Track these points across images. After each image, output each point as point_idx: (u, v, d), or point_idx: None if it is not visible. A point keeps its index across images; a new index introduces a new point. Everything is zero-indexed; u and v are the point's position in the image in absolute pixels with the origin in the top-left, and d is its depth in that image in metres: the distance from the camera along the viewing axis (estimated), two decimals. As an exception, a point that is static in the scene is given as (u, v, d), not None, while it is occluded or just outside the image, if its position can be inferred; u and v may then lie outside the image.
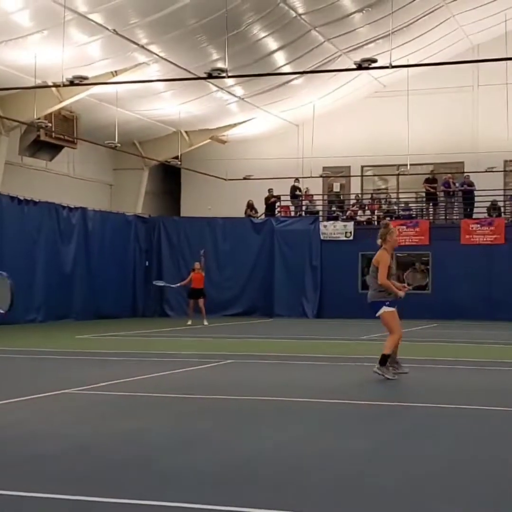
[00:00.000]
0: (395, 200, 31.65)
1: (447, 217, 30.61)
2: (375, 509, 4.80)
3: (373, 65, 16.78)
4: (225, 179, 30.83)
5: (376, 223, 30.28)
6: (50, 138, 24.44)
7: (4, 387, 9.91)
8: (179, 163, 29.08)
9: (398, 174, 30.54)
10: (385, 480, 5.43)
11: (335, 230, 29.00)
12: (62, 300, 25.46)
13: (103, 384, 10.11)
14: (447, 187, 30.02)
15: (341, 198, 32.90)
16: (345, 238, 28.77)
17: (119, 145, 25.10)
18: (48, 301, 24.80)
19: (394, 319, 10.64)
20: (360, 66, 16.82)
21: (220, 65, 19.73)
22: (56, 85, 20.88)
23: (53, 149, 25.23)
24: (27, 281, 23.98)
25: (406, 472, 5.67)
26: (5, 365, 12.99)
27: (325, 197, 32.69)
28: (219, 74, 17.90)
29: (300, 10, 22.44)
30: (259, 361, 13.40)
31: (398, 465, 5.93)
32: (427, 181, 30.30)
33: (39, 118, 23.01)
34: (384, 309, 10.58)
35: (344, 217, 30.29)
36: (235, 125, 30.24)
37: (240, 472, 5.65)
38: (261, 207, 31.12)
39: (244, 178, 30.22)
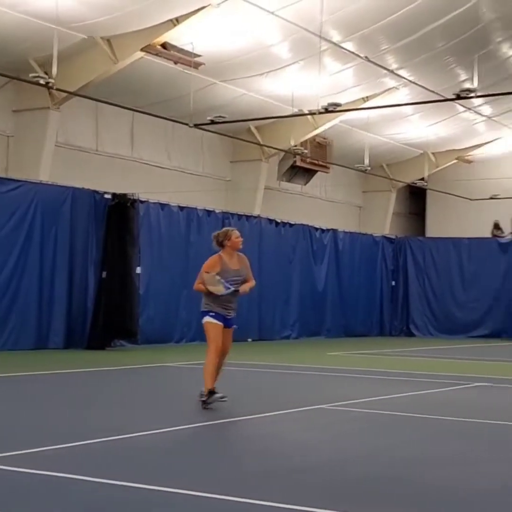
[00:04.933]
0: None
1: None
2: None
3: None
4: (470, 199, 30.80)
5: None
6: (305, 164, 25.57)
7: (263, 400, 10.24)
8: (425, 184, 29.47)
9: None
10: None
11: None
12: (315, 317, 26.31)
13: (355, 401, 10.32)
14: None
15: None
16: None
17: (368, 168, 25.85)
18: (302, 318, 25.74)
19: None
20: None
21: (468, 85, 19.91)
22: (312, 113, 21.56)
23: (307, 174, 26.41)
24: (283, 299, 25.23)
25: None
26: (263, 379, 13.51)
27: None
28: (467, 94, 18.21)
29: (553, 25, 22.12)
30: (509, 385, 13.19)
31: None
32: None
33: (295, 145, 24.21)
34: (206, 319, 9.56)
35: None
36: (481, 144, 30.17)
37: (496, 497, 5.60)
38: (508, 227, 30.75)
39: (491, 198, 30.02)
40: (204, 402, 9.32)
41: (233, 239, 9.72)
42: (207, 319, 9.50)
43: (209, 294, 9.48)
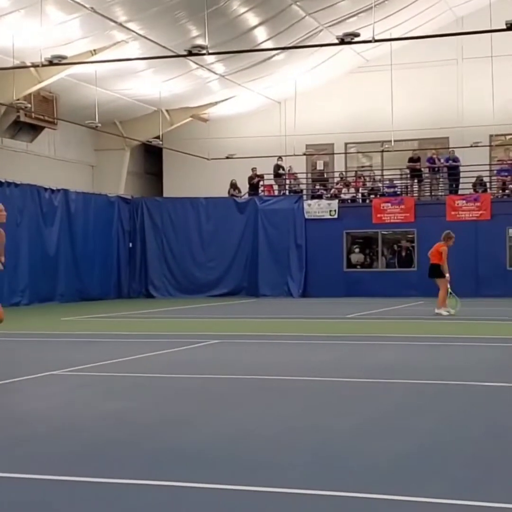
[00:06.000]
0: (379, 177, 31.46)
1: (433, 193, 30.46)
2: (357, 486, 4.69)
3: (356, 39, 16.57)
4: (207, 159, 30.55)
5: (360, 201, 30.18)
6: (30, 119, 24.11)
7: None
8: (160, 142, 28.76)
9: (382, 151, 30.29)
10: (370, 457, 5.35)
11: (320, 208, 28.82)
12: (47, 282, 25.25)
13: (90, 365, 10.06)
14: (431, 163, 29.85)
15: (325, 176, 32.72)
16: (329, 217, 28.60)
17: (99, 125, 24.78)
18: (32, 284, 24.57)
19: None
20: (342, 41, 16.60)
21: (200, 42, 19.35)
22: (34, 65, 20.61)
23: (33, 130, 24.91)
24: (11, 264, 23.68)
25: (392, 448, 5.57)
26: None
27: (309, 175, 32.49)
28: (199, 51, 17.60)
29: (281, -15, 22.14)
30: (245, 341, 13.28)
31: (384, 441, 5.82)
32: (410, 160, 30.14)
33: (18, 99, 22.65)
34: None
35: (328, 195, 30.11)
36: (216, 103, 29.90)
37: (226, 450, 5.63)
38: (244, 186, 30.88)
39: (227, 157, 29.92)
40: None
41: None
42: None
43: None
